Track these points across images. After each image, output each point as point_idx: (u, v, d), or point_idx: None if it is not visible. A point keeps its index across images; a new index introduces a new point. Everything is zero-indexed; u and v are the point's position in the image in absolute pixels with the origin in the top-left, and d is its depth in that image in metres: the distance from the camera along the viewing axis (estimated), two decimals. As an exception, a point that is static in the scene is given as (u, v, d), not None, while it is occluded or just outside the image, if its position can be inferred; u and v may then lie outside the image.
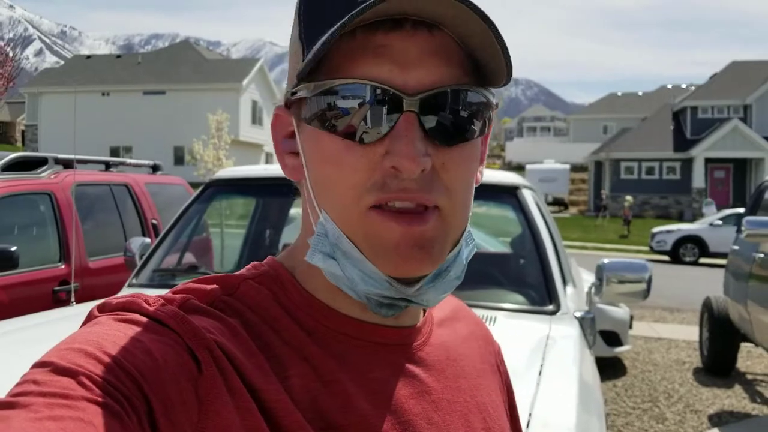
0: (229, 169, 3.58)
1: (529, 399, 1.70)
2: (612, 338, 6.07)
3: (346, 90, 0.58)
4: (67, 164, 5.07)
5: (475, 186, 0.65)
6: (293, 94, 0.62)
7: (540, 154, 51.86)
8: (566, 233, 23.04)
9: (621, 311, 6.16)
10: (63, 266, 4.65)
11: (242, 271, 0.67)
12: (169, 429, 0.49)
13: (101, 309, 0.58)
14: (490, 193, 3.17)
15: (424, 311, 0.72)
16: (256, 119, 39.25)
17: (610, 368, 6.53)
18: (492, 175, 3.26)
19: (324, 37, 0.56)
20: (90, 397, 0.46)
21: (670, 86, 58.27)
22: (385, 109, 0.57)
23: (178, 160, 34.45)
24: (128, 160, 6.42)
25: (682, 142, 33.91)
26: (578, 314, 2.58)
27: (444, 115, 0.58)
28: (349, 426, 0.59)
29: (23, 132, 42.18)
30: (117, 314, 0.56)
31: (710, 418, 5.35)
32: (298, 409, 0.56)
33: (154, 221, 5.71)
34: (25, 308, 3.57)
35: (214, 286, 0.63)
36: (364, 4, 0.54)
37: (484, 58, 0.60)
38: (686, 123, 34.71)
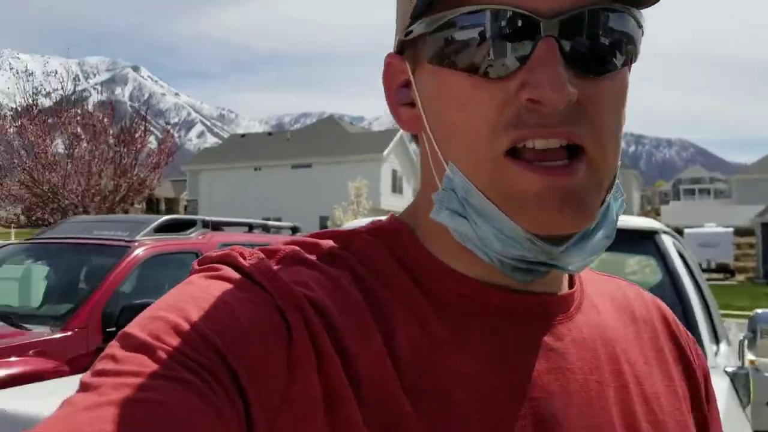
0: (355, 222, 3.63)
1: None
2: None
3: (468, 19, 0.51)
4: (214, 226, 5.42)
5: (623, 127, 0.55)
6: (407, 34, 0.55)
7: (699, 217, 48.70)
8: (732, 301, 21.28)
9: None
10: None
11: (360, 227, 0.62)
12: (256, 396, 0.46)
13: (201, 262, 0.57)
14: (625, 239, 2.97)
15: (572, 281, 0.63)
16: (396, 188, 40.19)
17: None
18: (627, 220, 3.06)
19: None
20: (165, 374, 0.44)
21: (842, 140, 53.47)
22: (518, 37, 0.50)
23: (323, 228, 35.79)
24: (269, 222, 6.77)
25: None
26: (730, 369, 2.33)
27: (587, 40, 0.51)
28: (461, 393, 0.52)
29: (185, 207, 45.84)
30: (210, 271, 0.54)
31: None
32: (401, 369, 0.51)
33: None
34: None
35: (327, 239, 0.60)
36: None
37: None
38: None
